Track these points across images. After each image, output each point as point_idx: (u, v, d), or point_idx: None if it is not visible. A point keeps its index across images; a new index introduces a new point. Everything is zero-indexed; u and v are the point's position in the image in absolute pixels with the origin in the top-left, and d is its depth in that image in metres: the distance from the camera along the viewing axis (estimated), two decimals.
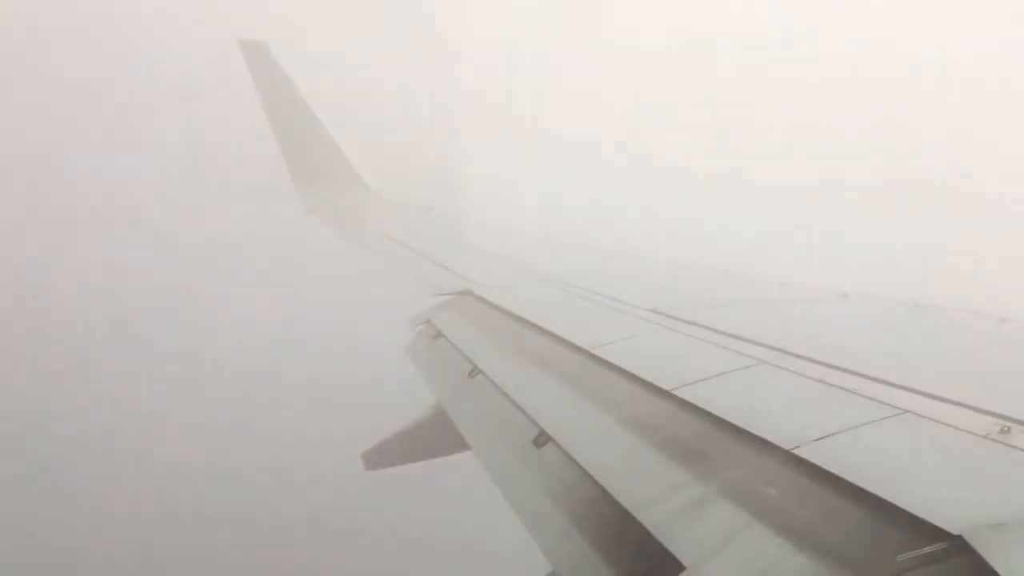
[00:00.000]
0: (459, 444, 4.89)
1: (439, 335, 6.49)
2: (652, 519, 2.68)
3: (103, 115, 22.29)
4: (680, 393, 3.41)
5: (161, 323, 18.65)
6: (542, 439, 3.73)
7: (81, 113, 22.36)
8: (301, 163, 13.35)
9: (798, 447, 2.64)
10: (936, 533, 1.95)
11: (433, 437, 5.59)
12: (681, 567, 2.38)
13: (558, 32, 27.43)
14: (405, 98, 22.06)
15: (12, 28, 23.49)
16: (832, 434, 2.70)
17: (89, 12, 24.80)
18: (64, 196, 21.22)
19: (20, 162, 21.15)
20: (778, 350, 3.77)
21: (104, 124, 22.15)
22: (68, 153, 22.02)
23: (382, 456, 6.10)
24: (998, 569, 1.71)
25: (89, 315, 18.72)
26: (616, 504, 2.88)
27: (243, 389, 16.35)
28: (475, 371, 5.16)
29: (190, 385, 16.76)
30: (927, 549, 1.93)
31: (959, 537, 1.89)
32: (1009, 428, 2.52)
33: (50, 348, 17.86)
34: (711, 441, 3.01)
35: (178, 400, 16.59)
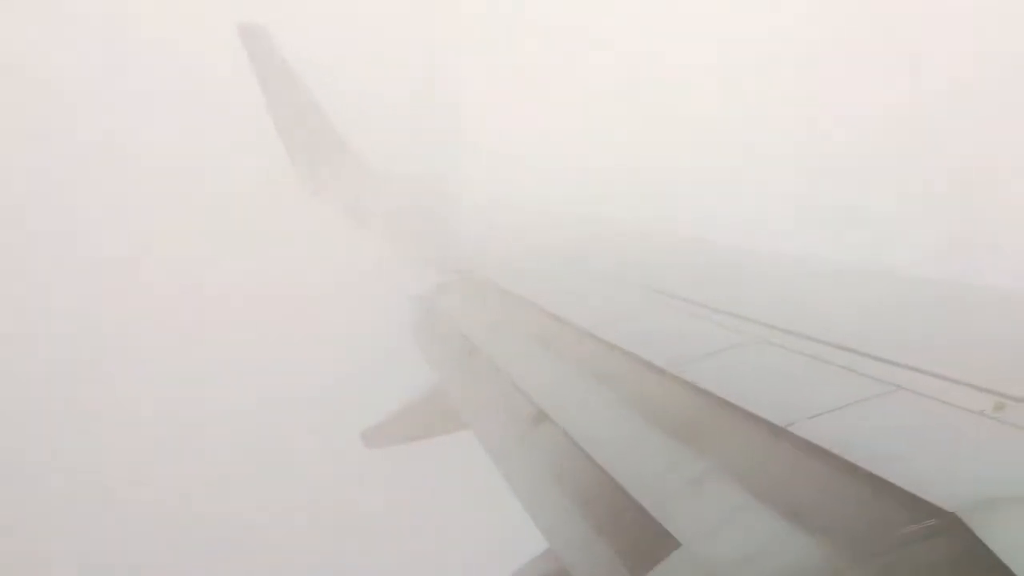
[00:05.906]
0: (459, 423, 4.93)
1: (440, 314, 6.51)
2: (649, 497, 2.69)
3: (93, 102, 21.91)
4: (676, 371, 3.42)
5: (160, 301, 18.51)
6: (540, 418, 3.74)
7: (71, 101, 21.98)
8: (301, 146, 13.33)
9: (793, 424, 2.64)
10: (930, 510, 1.95)
11: (433, 416, 5.63)
12: (677, 544, 2.40)
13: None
14: (404, 71, 21.60)
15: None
16: (827, 411, 2.70)
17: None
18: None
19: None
20: (774, 327, 3.76)
21: (94, 104, 21.74)
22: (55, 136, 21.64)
23: (382, 435, 6.15)
24: (991, 546, 1.71)
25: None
26: (613, 482, 2.89)
27: (240, 371, 16.27)
28: (474, 350, 5.18)
29: (185, 362, 16.63)
30: (921, 526, 1.93)
31: (953, 514, 1.89)
32: (1004, 405, 2.51)
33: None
34: (707, 419, 3.01)
35: (171, 377, 16.47)
